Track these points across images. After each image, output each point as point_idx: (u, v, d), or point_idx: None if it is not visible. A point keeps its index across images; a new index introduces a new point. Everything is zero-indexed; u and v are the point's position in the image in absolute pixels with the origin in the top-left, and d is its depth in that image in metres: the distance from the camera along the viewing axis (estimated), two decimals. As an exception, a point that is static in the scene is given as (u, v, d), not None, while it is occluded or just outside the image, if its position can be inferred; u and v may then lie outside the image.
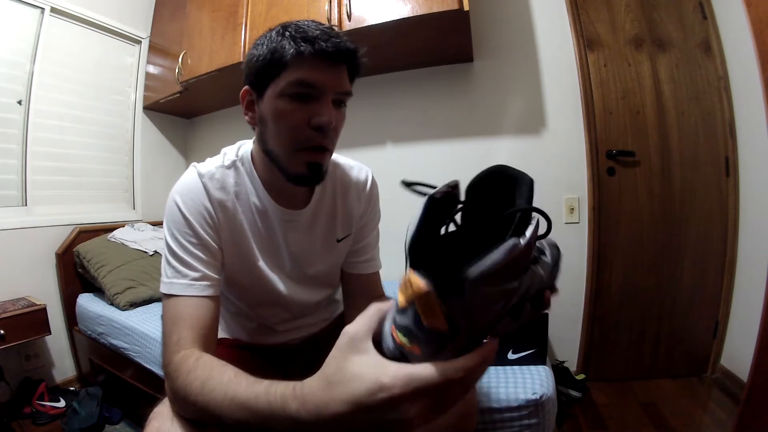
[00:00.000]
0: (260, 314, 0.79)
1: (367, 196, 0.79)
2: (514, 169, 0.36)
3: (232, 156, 0.70)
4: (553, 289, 0.48)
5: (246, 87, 0.64)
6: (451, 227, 0.39)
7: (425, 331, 0.31)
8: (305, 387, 0.35)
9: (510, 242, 0.29)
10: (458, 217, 0.39)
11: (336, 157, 0.78)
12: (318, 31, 0.57)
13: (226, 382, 0.44)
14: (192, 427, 0.50)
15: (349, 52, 0.59)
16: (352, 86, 0.64)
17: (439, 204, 0.36)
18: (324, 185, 0.74)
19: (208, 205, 0.64)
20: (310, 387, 0.34)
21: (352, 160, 0.81)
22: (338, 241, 0.77)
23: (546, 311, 0.48)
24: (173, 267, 0.61)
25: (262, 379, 0.43)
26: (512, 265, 0.30)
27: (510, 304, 0.36)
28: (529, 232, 0.31)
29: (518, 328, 0.48)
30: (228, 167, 0.68)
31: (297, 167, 0.62)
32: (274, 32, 0.60)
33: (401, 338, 0.32)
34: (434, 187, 0.36)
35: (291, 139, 0.60)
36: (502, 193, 0.35)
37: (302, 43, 0.56)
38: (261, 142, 0.65)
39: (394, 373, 0.30)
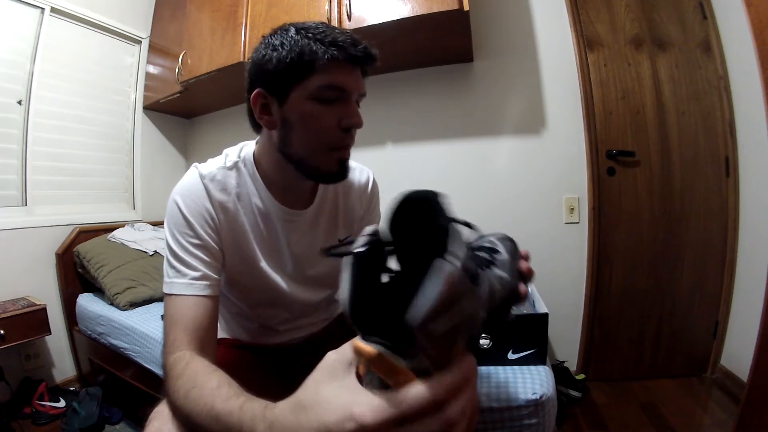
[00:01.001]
0: (261, 315, 0.79)
1: (368, 197, 0.80)
2: (419, 191, 0.33)
3: (234, 157, 0.70)
4: (526, 281, 0.47)
5: (259, 90, 0.62)
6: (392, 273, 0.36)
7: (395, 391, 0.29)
8: (275, 409, 0.34)
9: (445, 269, 0.27)
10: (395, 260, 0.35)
11: None
12: (343, 36, 0.59)
13: (207, 393, 0.44)
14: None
15: (373, 58, 0.62)
16: None
17: (367, 257, 0.33)
18: (326, 186, 0.75)
19: (209, 206, 0.65)
20: (280, 410, 0.34)
21: (353, 162, 0.81)
22: (340, 241, 0.78)
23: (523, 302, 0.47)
24: (174, 267, 0.61)
25: (242, 393, 0.43)
26: (454, 290, 0.27)
27: (477, 323, 0.34)
28: (459, 250, 0.28)
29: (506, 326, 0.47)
30: (230, 168, 0.68)
31: (329, 166, 0.64)
32: (292, 33, 0.59)
33: None
34: (352, 242, 0.34)
35: (323, 140, 0.61)
36: (426, 218, 0.32)
37: (334, 49, 0.57)
38: (282, 144, 0.64)
39: (367, 402, 0.27)
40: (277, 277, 0.73)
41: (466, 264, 0.29)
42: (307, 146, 0.62)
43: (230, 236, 0.67)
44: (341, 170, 0.65)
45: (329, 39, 0.57)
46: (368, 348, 0.28)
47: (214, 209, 0.65)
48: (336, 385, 0.30)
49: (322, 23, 0.61)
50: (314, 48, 0.57)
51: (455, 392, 0.28)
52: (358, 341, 0.30)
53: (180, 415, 0.48)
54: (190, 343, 0.56)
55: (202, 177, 0.66)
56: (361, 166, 0.82)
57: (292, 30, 0.59)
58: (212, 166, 0.68)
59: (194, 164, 0.68)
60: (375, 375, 0.29)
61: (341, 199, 0.77)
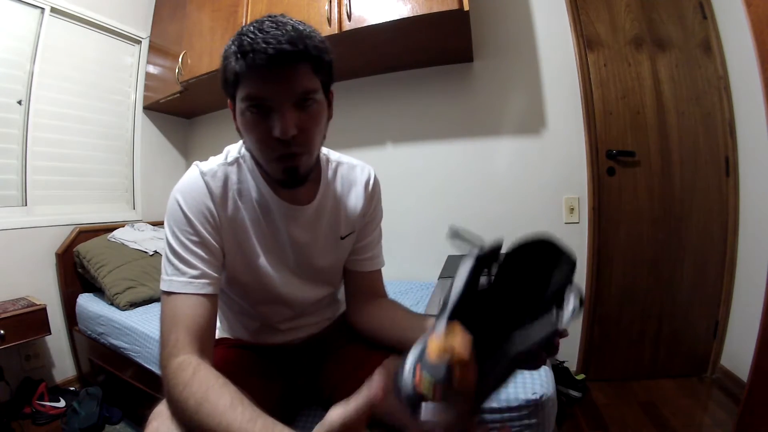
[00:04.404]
0: (262, 312, 0.79)
1: (370, 195, 0.80)
2: (559, 244, 0.39)
3: (235, 153, 0.70)
4: (563, 334, 0.49)
5: (228, 99, 0.64)
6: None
7: (452, 390, 0.32)
8: None
9: (551, 325, 0.32)
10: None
11: (339, 156, 0.79)
12: (263, 43, 0.52)
13: (221, 412, 0.45)
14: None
15: (291, 54, 0.54)
16: (320, 75, 0.60)
17: (484, 260, 0.38)
18: (328, 183, 0.75)
19: (210, 203, 0.65)
20: None
21: (354, 159, 0.81)
22: (342, 238, 0.78)
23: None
24: (173, 265, 0.61)
25: (257, 415, 0.44)
26: (545, 344, 0.33)
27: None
28: (566, 318, 0.33)
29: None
30: (231, 164, 0.68)
31: (276, 174, 0.62)
32: (234, 37, 0.57)
33: (425, 382, 0.32)
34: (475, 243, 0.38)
35: (261, 150, 0.61)
36: (538, 262, 0.38)
37: (242, 59, 0.54)
38: (247, 148, 0.67)
39: None
40: (277, 274, 0.73)
41: (564, 331, 0.33)
42: (255, 153, 0.63)
43: (231, 233, 0.67)
44: (289, 179, 0.62)
45: (244, 46, 0.53)
46: (467, 352, 0.31)
47: (215, 206, 0.65)
48: None
49: (270, 21, 0.56)
50: (231, 59, 0.56)
51: None
52: (458, 336, 0.32)
53: (190, 425, 0.48)
54: (191, 344, 0.56)
55: (202, 174, 0.66)
56: (363, 163, 0.82)
57: (236, 35, 0.57)
58: (213, 163, 0.68)
59: (195, 162, 0.68)
60: (448, 369, 0.32)
61: (343, 196, 0.77)
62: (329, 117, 0.67)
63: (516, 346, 0.31)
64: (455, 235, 0.40)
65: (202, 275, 0.61)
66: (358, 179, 0.79)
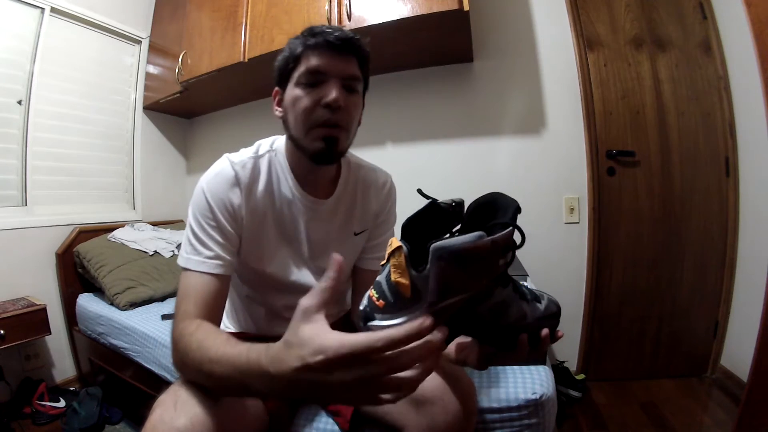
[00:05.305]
0: (270, 300, 0.82)
1: (385, 197, 0.85)
2: (504, 196, 0.43)
3: (266, 147, 0.76)
4: (551, 332, 0.53)
5: (276, 88, 0.73)
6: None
7: (391, 286, 0.36)
8: (273, 348, 0.42)
9: (475, 233, 0.33)
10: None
11: (360, 159, 0.85)
12: (329, 28, 0.66)
13: (219, 344, 0.51)
14: (192, 415, 0.52)
15: (352, 41, 0.66)
16: (363, 73, 0.70)
17: (439, 210, 0.41)
18: (347, 181, 0.80)
19: (232, 194, 0.70)
20: (275, 347, 0.41)
21: (375, 164, 0.87)
22: (355, 234, 0.82)
23: (542, 349, 0.53)
24: (191, 245, 0.67)
25: (250, 343, 0.48)
26: (471, 254, 0.33)
27: (473, 305, 0.41)
28: (497, 235, 0.35)
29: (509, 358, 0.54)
30: (261, 156, 0.74)
31: (314, 144, 0.67)
32: (298, 35, 0.69)
33: (372, 291, 0.38)
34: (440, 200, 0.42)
35: (306, 118, 0.67)
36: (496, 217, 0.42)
37: (310, 38, 0.65)
38: (286, 129, 0.72)
39: (331, 339, 0.35)
40: (292, 264, 0.77)
41: (497, 240, 0.35)
42: (296, 126, 0.68)
43: (251, 221, 0.72)
44: (327, 149, 0.67)
45: (314, 33, 0.65)
46: (399, 242, 0.36)
47: (239, 196, 0.70)
48: (309, 326, 0.38)
49: (335, 26, 0.68)
50: (298, 42, 0.67)
51: (401, 344, 0.34)
52: (395, 238, 0.37)
53: (192, 363, 0.53)
54: (199, 316, 0.61)
55: (232, 164, 0.71)
56: (383, 169, 0.87)
57: (306, 28, 0.68)
58: (243, 155, 0.74)
59: (225, 154, 0.74)
60: (389, 267, 0.36)
61: (360, 194, 0.82)
62: (358, 122, 0.73)
63: (442, 244, 0.33)
64: (420, 193, 0.45)
65: (216, 257, 0.66)
66: (376, 181, 0.84)
